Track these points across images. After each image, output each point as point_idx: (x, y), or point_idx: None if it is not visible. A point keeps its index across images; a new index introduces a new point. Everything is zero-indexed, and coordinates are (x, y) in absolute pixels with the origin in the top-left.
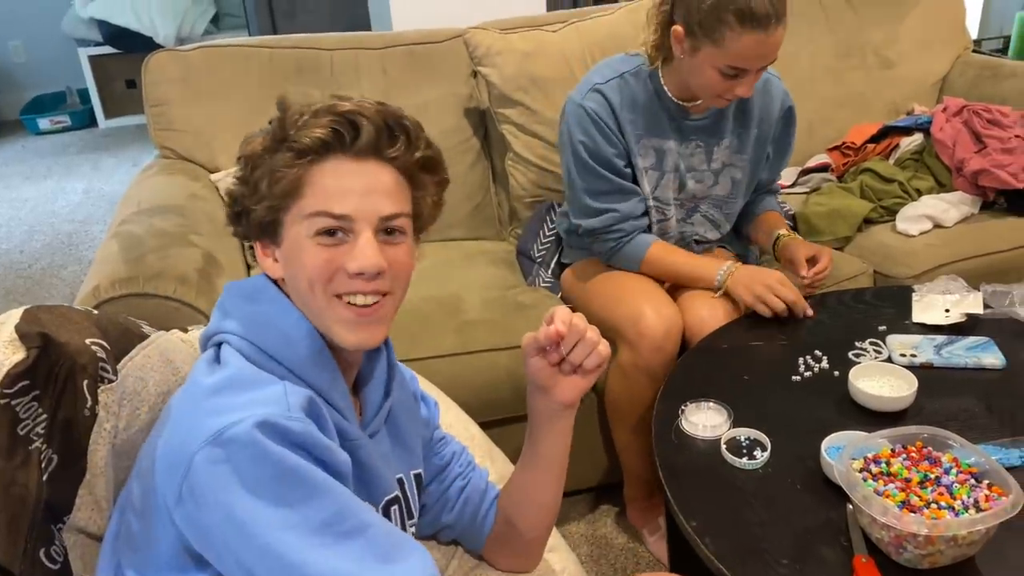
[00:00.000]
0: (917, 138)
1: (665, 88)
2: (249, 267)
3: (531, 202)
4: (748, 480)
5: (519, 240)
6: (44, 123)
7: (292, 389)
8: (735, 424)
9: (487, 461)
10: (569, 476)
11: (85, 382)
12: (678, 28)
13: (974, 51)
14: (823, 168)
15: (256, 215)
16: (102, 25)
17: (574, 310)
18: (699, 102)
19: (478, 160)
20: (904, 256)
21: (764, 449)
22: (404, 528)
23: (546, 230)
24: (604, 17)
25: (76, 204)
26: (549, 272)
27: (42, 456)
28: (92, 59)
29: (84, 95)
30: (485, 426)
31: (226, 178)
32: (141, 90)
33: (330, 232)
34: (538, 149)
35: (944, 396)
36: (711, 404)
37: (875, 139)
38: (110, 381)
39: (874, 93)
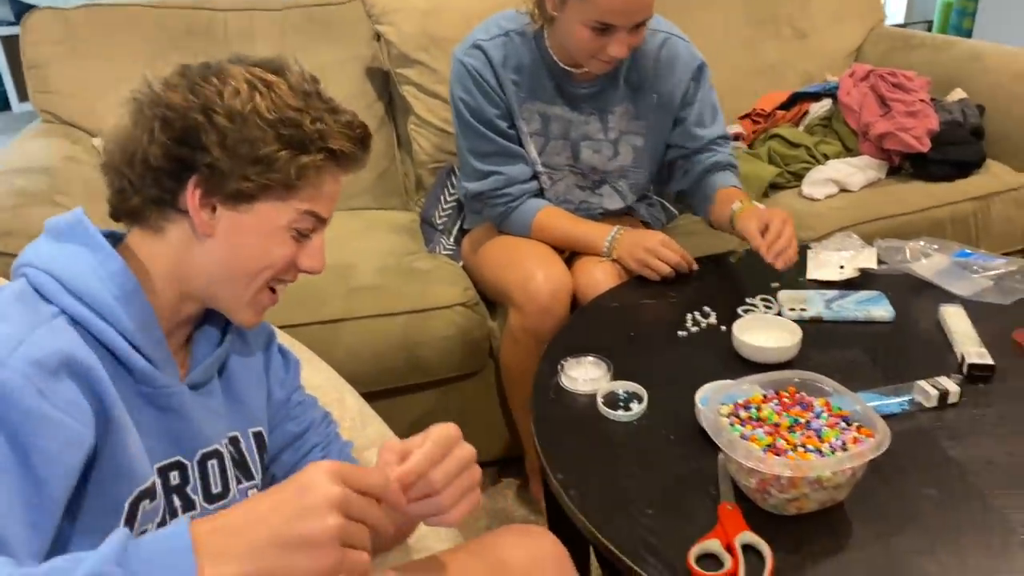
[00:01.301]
0: (826, 103)
1: (550, 51)
2: None
3: (435, 168)
4: (622, 433)
5: (422, 208)
6: None
7: (39, 341)
8: (615, 378)
9: (358, 426)
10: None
11: None
12: None
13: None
14: (735, 138)
15: (242, 184)
16: (13, 3)
17: (472, 276)
18: (585, 69)
19: (382, 126)
20: (808, 218)
21: (640, 401)
22: (237, 488)
23: (447, 196)
24: None
25: None
26: (451, 239)
27: None
28: (3, 39)
29: None
30: (378, 396)
31: None
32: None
33: (305, 231)
34: (440, 111)
35: (830, 348)
36: (590, 358)
37: (785, 106)
38: None
39: (788, 63)
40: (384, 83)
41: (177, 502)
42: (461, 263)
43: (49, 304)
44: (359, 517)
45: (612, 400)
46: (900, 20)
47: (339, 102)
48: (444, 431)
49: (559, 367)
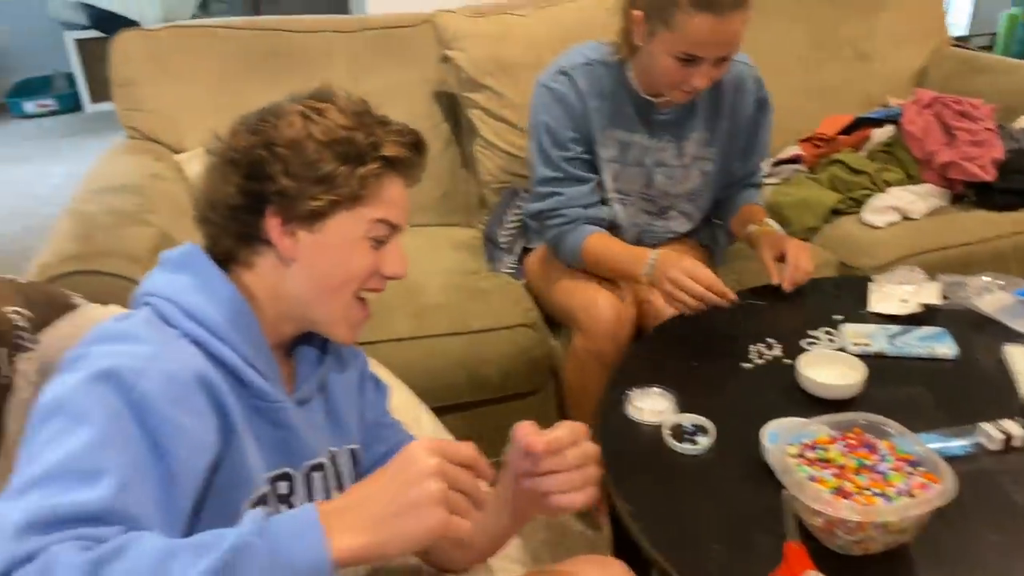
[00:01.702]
0: (889, 130)
1: (632, 80)
2: None
3: (498, 188)
4: (689, 465)
5: (486, 226)
6: (30, 106)
7: (173, 357)
8: (681, 410)
9: None
10: None
11: (2, 350)
12: (637, 12)
13: (961, 47)
14: (795, 160)
15: (311, 204)
16: (88, 9)
17: (534, 295)
18: (666, 97)
19: (448, 146)
20: (869, 247)
21: (707, 435)
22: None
23: (510, 216)
24: (573, 3)
25: (58, 187)
26: (514, 258)
27: None
28: (78, 43)
29: (70, 79)
30: (440, 411)
31: (192, 160)
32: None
33: (380, 239)
34: (506, 134)
35: (894, 385)
36: (656, 389)
37: (847, 131)
38: (28, 349)
39: (849, 85)
40: (450, 105)
41: (284, 511)
42: (523, 281)
43: (173, 328)
44: (457, 484)
45: (678, 432)
46: (964, 32)
47: (389, 117)
48: (577, 424)
49: (625, 396)
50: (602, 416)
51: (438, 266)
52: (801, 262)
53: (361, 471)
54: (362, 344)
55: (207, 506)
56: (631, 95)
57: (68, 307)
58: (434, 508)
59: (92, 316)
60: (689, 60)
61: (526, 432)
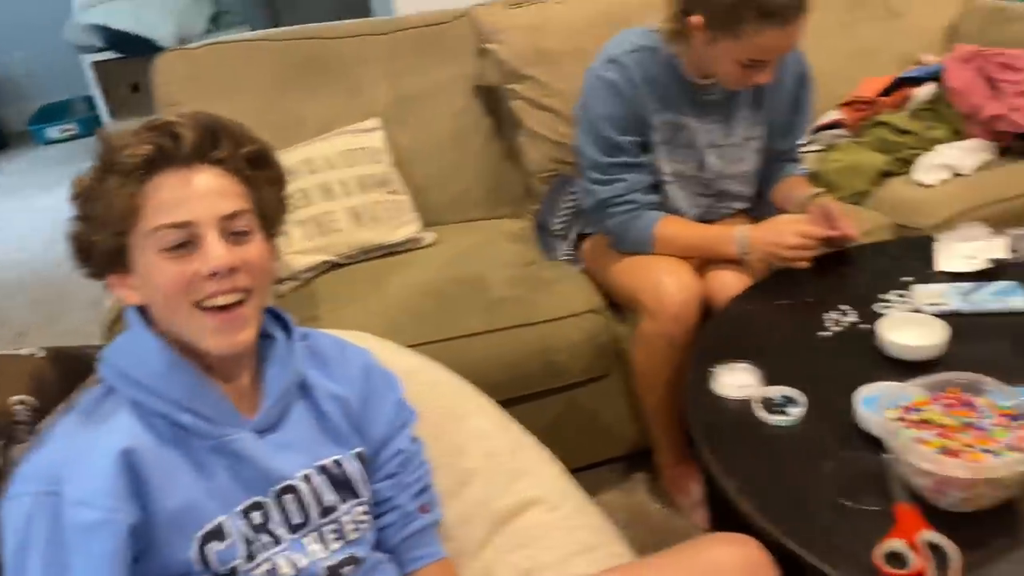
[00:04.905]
0: (930, 88)
1: (680, 65)
2: None
3: (546, 176)
4: (783, 437)
5: (537, 215)
6: (53, 132)
7: (92, 448)
8: (767, 383)
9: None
10: (601, 445)
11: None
12: (696, 18)
13: None
14: (835, 125)
15: (101, 246)
16: (103, 31)
17: (595, 280)
18: (713, 80)
19: (491, 139)
20: (925, 206)
21: (797, 405)
22: (344, 505)
23: (563, 203)
24: None
25: None
26: (569, 245)
27: None
28: (96, 65)
29: (90, 102)
30: (514, 402)
31: None
32: (148, 92)
33: (177, 244)
34: (550, 123)
35: (975, 342)
36: (741, 365)
37: (887, 92)
38: (23, 442)
39: (883, 45)
40: (490, 99)
41: (265, 538)
42: (580, 267)
43: (116, 394)
44: None
45: (768, 405)
46: None
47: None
48: None
49: (709, 374)
50: (689, 396)
51: (498, 260)
52: (854, 237)
53: (373, 473)
54: (436, 342)
55: (152, 559)
56: (678, 79)
57: (92, 370)
58: None
59: None
60: (754, 65)
61: None
